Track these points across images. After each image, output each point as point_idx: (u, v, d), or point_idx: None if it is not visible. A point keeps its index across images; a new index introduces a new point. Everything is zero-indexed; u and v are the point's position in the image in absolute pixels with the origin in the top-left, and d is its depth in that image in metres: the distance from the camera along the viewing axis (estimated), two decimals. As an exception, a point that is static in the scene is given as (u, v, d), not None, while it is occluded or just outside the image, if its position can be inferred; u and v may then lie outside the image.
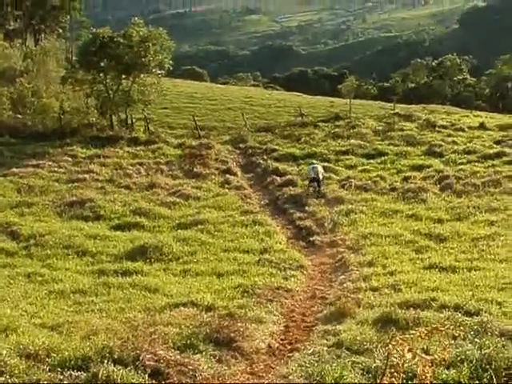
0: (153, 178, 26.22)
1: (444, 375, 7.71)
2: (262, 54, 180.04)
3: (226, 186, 25.66)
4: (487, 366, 7.87)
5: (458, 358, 8.12)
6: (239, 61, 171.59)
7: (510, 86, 70.03)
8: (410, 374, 6.69)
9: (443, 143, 31.27)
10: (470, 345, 8.61)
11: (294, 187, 24.69)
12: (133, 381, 8.14)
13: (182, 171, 27.88)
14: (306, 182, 24.49)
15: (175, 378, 8.53)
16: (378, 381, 5.95)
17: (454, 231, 17.93)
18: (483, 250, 15.93)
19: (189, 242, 17.46)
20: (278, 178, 26.34)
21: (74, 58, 39.59)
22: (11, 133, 31.77)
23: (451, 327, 7.62)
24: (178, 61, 54.72)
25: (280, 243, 17.86)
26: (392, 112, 40.03)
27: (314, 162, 26.30)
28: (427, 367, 5.53)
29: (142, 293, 12.97)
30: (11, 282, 13.83)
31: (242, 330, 10.26)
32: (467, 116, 40.97)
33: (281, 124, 37.02)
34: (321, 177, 24.07)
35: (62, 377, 8.21)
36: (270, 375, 9.07)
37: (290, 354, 9.86)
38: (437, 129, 35.00)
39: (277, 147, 31.64)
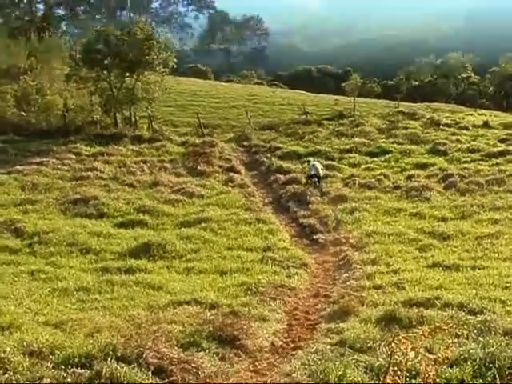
0: (156, 175, 26.22)
1: (447, 374, 7.70)
2: (266, 51, 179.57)
3: (230, 183, 25.65)
4: (491, 365, 7.86)
5: (462, 357, 8.10)
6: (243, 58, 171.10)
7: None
8: (413, 373, 6.70)
9: (447, 141, 31.26)
10: (473, 343, 8.60)
11: (298, 185, 24.65)
12: (136, 378, 8.14)
13: (186, 169, 27.87)
14: (307, 180, 24.53)
15: (178, 376, 8.53)
16: (381, 379, 5.94)
17: (458, 230, 17.92)
18: (487, 249, 15.92)
19: (192, 240, 17.46)
20: (281, 176, 26.33)
21: (77, 55, 39.60)
22: (15, 130, 31.77)
23: (454, 326, 7.64)
24: (182, 58, 54.64)
25: (283, 241, 17.83)
26: (396, 110, 40.05)
27: (311, 159, 26.36)
28: (430, 366, 5.53)
29: (145, 290, 12.96)
30: (15, 279, 13.83)
31: (245, 328, 10.25)
32: (471, 114, 40.97)
33: (285, 122, 37.01)
34: (321, 173, 24.12)
35: (65, 374, 8.21)
36: (273, 373, 9.06)
37: (294, 352, 9.85)
38: (441, 127, 35.01)
39: (281, 145, 31.63)
